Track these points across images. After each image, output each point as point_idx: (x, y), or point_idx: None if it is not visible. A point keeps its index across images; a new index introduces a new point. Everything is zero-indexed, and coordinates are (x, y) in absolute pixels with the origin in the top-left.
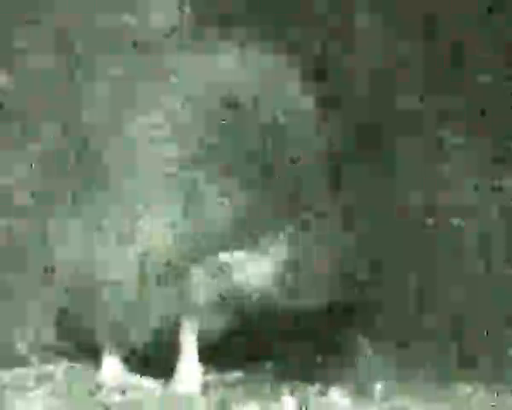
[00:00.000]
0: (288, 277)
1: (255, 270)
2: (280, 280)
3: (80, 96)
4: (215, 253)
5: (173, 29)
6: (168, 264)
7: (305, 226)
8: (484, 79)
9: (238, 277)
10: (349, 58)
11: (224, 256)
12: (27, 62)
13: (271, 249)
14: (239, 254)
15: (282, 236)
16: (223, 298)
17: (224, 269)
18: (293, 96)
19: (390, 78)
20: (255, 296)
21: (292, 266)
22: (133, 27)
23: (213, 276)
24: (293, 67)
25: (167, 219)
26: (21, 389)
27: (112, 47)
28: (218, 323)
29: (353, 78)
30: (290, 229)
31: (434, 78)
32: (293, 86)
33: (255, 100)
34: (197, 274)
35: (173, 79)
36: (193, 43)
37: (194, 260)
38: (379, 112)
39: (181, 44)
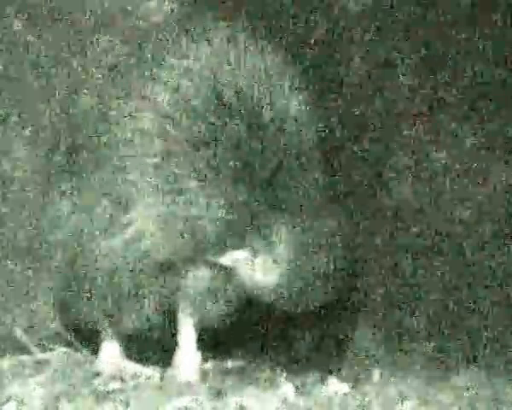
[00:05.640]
0: (285, 275)
1: (246, 267)
2: (276, 279)
3: (71, 85)
4: (204, 249)
5: (164, 20)
6: (160, 258)
7: (298, 225)
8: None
9: (229, 273)
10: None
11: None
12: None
13: (263, 248)
14: (228, 251)
15: (274, 234)
16: (217, 291)
17: (214, 265)
18: (283, 92)
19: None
20: (251, 292)
21: (288, 263)
22: (125, 17)
23: (206, 270)
24: (285, 63)
25: (157, 211)
26: (20, 376)
27: (103, 36)
28: (215, 312)
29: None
30: (283, 228)
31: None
32: (284, 83)
33: (245, 96)
34: (189, 268)
35: (163, 72)
36: (184, 36)
37: (185, 255)
38: (370, 104)
39: (172, 36)
